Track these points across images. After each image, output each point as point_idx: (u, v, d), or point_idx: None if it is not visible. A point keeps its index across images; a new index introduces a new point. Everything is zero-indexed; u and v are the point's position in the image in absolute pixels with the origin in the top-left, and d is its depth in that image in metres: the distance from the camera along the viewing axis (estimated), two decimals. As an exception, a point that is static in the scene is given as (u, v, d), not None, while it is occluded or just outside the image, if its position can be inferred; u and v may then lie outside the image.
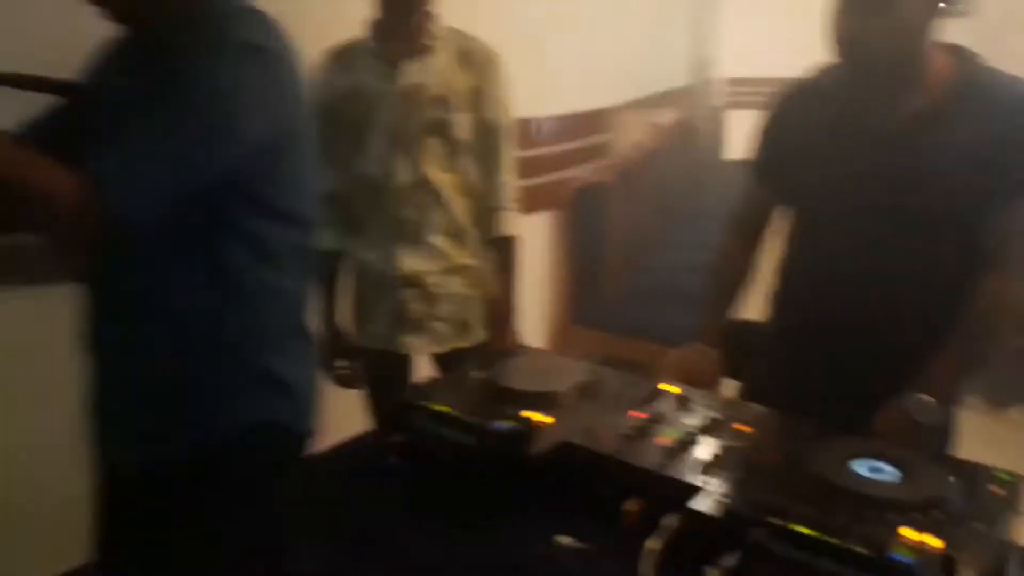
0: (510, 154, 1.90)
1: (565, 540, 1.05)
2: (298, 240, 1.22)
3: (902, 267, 1.38)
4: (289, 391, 1.24)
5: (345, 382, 1.99)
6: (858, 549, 0.88)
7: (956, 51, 1.37)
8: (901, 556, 0.87)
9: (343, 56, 1.84)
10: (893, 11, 1.27)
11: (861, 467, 1.07)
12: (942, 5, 1.29)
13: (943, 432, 1.40)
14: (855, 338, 1.43)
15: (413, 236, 1.84)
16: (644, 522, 1.03)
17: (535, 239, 2.94)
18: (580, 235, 3.10)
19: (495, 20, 2.27)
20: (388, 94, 1.78)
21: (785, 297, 1.58)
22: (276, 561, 1.13)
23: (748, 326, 1.63)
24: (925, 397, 1.32)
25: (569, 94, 3.07)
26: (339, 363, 1.97)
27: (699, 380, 1.42)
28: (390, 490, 1.23)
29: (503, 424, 1.17)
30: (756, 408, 1.26)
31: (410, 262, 1.85)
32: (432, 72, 1.79)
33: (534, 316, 2.99)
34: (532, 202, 2.01)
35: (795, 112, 1.51)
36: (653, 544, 0.99)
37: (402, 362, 1.95)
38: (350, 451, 1.41)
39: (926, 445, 1.26)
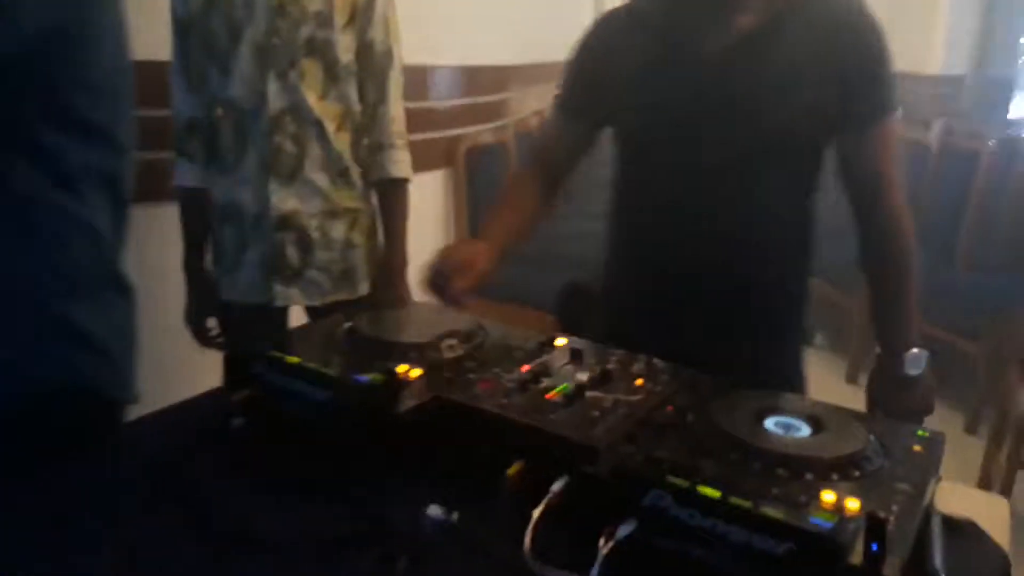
0: (398, 84, 1.72)
1: (435, 511, 0.89)
2: (107, 164, 1.00)
3: (740, 197, 1.28)
4: (95, 348, 1.02)
5: (212, 343, 1.78)
6: (773, 514, 0.74)
7: None
8: (823, 522, 0.74)
9: None
10: None
11: (772, 423, 0.95)
12: None
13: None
14: (702, 275, 1.32)
15: (289, 172, 1.64)
16: (529, 488, 0.88)
17: (424, 198, 2.76)
18: (471, 197, 2.94)
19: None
20: (259, 6, 1.57)
21: (620, 242, 1.44)
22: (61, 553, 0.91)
23: (582, 286, 1.50)
24: (914, 350, 1.26)
25: (467, 46, 2.89)
26: (209, 321, 1.76)
27: (464, 265, 1.24)
28: (233, 455, 1.03)
29: (365, 376, 0.99)
30: (656, 361, 1.12)
31: (286, 201, 1.65)
32: None
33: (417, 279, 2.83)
34: (423, 159, 1.82)
35: (612, 40, 1.35)
36: (538, 512, 0.84)
37: (275, 317, 1.75)
38: (190, 410, 1.20)
39: (922, 402, 1.27)
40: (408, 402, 0.98)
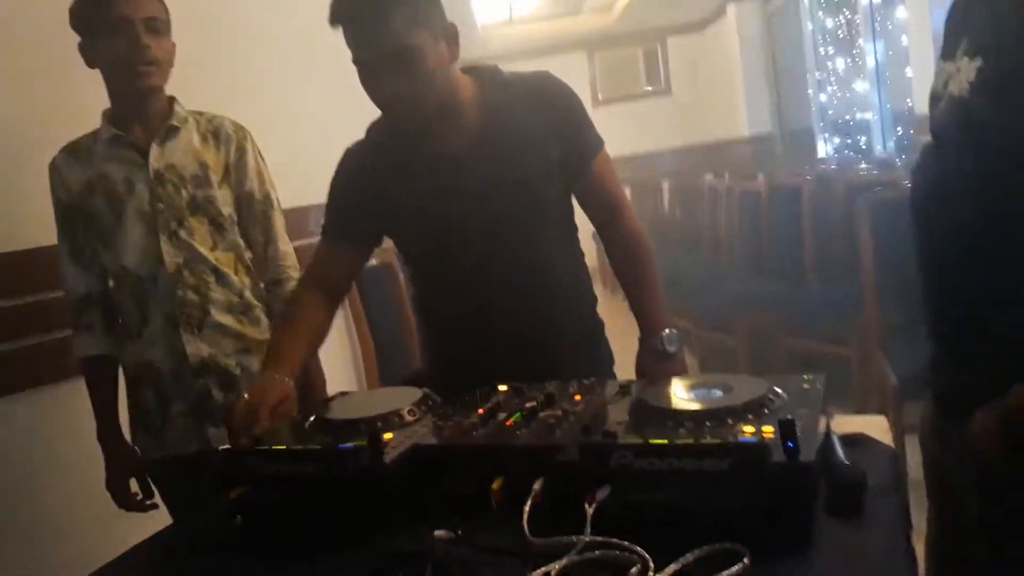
0: (281, 223, 1.88)
1: (442, 533, 1.03)
2: None
3: (511, 258, 1.52)
4: None
5: (135, 505, 1.83)
6: (710, 441, 0.94)
7: (475, 71, 1.53)
8: (747, 439, 0.95)
9: (77, 152, 1.75)
10: (415, 74, 1.37)
11: (694, 393, 1.15)
12: (451, 50, 1.42)
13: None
14: (501, 333, 1.53)
15: (197, 321, 1.75)
16: (512, 496, 1.04)
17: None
18: (368, 315, 3.09)
19: (262, 111, 2.27)
20: (138, 181, 1.72)
21: (435, 330, 1.65)
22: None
23: (418, 376, 1.69)
24: (666, 331, 1.53)
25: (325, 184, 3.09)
26: (132, 486, 1.81)
27: (268, 406, 1.31)
28: (248, 547, 1.14)
29: (349, 444, 1.14)
30: (586, 381, 1.32)
31: (201, 349, 1.76)
32: (182, 151, 1.75)
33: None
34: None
35: (361, 171, 1.55)
36: (527, 506, 1.00)
37: (204, 462, 1.82)
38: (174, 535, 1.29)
39: (682, 372, 1.51)
40: (392, 455, 1.12)
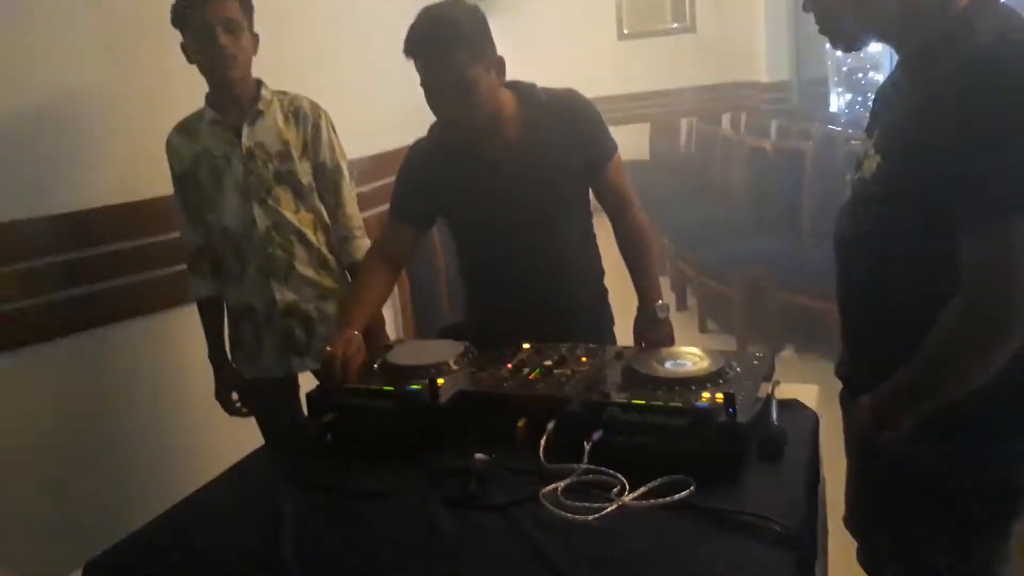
0: (350, 190, 2.23)
1: (480, 455, 1.43)
2: None
3: (538, 240, 1.89)
4: None
5: (237, 412, 2.26)
6: (675, 404, 1.33)
7: (517, 88, 1.87)
8: (702, 404, 1.34)
9: (186, 129, 2.11)
10: (470, 99, 1.70)
11: (668, 364, 1.54)
12: (499, 78, 1.75)
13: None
14: (529, 298, 1.90)
15: (284, 272, 2.14)
16: (532, 434, 1.44)
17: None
18: (415, 268, 3.42)
19: (307, 78, 2.61)
20: (234, 156, 2.08)
21: (474, 292, 2.03)
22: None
23: (455, 327, 2.08)
24: (659, 302, 1.89)
25: (380, 135, 3.40)
26: (235, 396, 2.24)
27: (352, 357, 1.63)
28: (335, 458, 1.55)
29: (413, 387, 1.54)
30: (588, 346, 1.71)
31: (286, 296, 2.15)
32: (268, 131, 2.10)
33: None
34: (368, 231, 2.36)
35: (425, 163, 1.90)
36: (543, 441, 1.40)
37: (291, 385, 2.24)
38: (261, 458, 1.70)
39: (669, 334, 1.87)
40: (444, 397, 1.53)
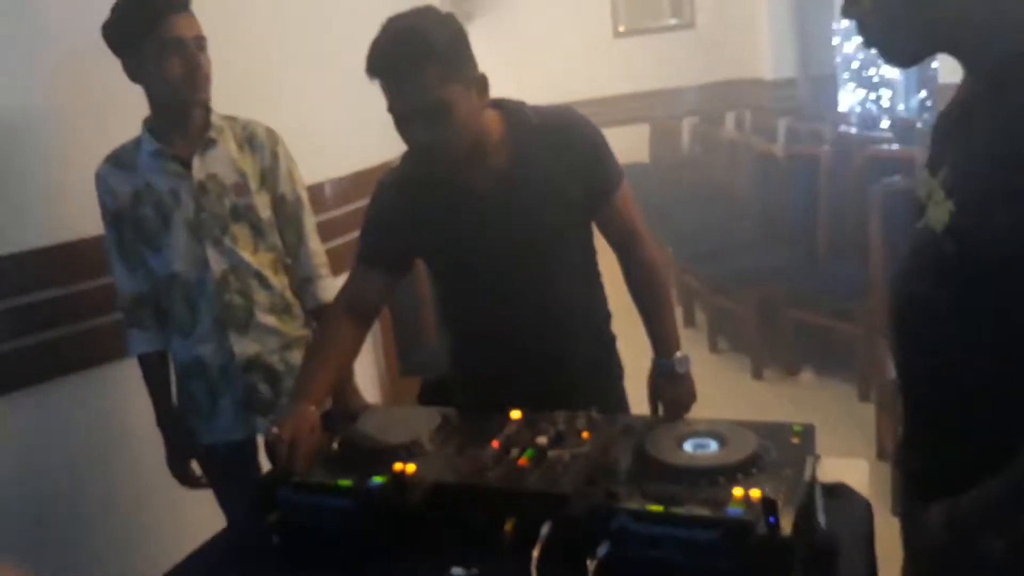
0: (311, 223, 1.97)
1: (458, 571, 1.16)
2: None
3: (531, 285, 1.61)
4: None
5: (196, 483, 1.98)
6: (701, 513, 1.05)
7: (503, 107, 1.58)
8: (735, 510, 1.06)
9: (122, 162, 1.83)
10: (446, 126, 1.42)
11: (688, 446, 1.26)
12: (481, 98, 1.48)
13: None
14: (522, 350, 1.63)
15: (243, 320, 1.87)
16: (522, 537, 1.16)
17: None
18: (396, 289, 3.17)
19: (262, 97, 2.33)
20: (183, 191, 1.81)
21: (459, 344, 1.75)
22: None
23: (439, 381, 1.83)
24: (678, 353, 1.64)
25: (351, 154, 3.14)
26: (191, 464, 1.96)
27: (303, 440, 1.38)
28: (284, 566, 1.28)
29: (375, 481, 1.26)
30: (594, 415, 1.43)
31: (247, 348, 1.88)
32: (222, 161, 1.83)
33: (366, 374, 3.06)
34: (339, 263, 2.08)
35: (396, 201, 1.62)
36: (536, 551, 1.12)
37: (253, 450, 1.97)
38: (221, 545, 1.43)
39: (691, 391, 1.64)
40: (413, 493, 1.24)
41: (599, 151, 1.61)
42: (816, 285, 3.74)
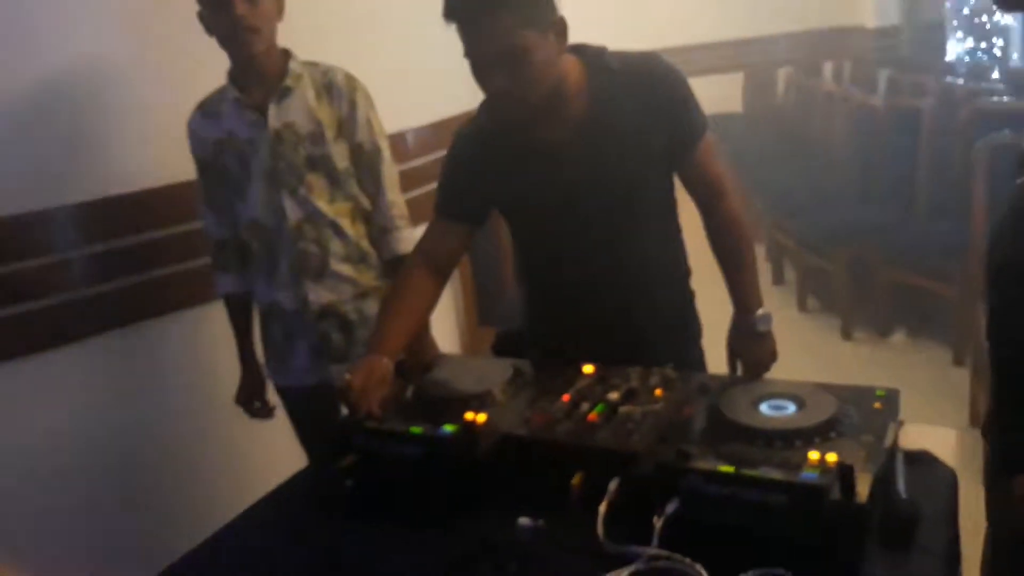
0: (391, 174, 1.96)
1: (525, 521, 1.16)
2: None
3: (609, 239, 1.57)
4: None
5: (259, 414, 2.05)
6: (774, 476, 1.02)
7: (583, 53, 1.53)
8: (809, 475, 1.02)
9: (208, 109, 1.87)
10: (523, 72, 1.39)
11: (765, 407, 1.22)
12: (560, 43, 1.43)
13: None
14: (597, 305, 1.61)
15: (318, 269, 1.89)
16: (590, 492, 1.16)
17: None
18: (476, 238, 3.18)
19: (346, 44, 2.33)
20: (260, 140, 1.83)
21: (534, 297, 1.74)
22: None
23: (513, 333, 1.80)
24: (759, 311, 1.58)
25: (433, 102, 3.12)
26: (256, 401, 2.03)
27: (374, 388, 1.41)
28: (351, 510, 1.30)
29: (446, 430, 1.27)
30: (669, 372, 1.40)
31: (321, 296, 1.90)
32: (298, 110, 1.84)
33: (444, 324, 3.09)
34: (420, 213, 2.09)
35: (473, 153, 1.60)
36: (603, 507, 1.11)
37: (327, 392, 2.01)
38: (300, 485, 1.47)
39: (772, 351, 1.59)
40: (483, 444, 1.25)
41: (683, 99, 1.55)
42: (912, 243, 3.58)
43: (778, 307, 4.04)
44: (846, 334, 3.81)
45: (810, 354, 3.58)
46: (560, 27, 1.44)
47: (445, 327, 3.16)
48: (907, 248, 3.57)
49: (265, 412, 2.07)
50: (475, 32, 1.39)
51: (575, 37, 1.50)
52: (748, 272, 1.63)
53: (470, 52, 1.41)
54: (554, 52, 1.44)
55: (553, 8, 1.43)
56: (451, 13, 1.39)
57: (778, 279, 4.59)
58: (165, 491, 2.17)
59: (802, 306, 4.19)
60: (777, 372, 1.58)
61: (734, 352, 1.61)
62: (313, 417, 1.98)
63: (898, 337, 3.71)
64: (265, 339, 2.02)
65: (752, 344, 1.60)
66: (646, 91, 1.52)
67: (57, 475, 1.95)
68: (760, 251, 4.86)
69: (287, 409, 2.07)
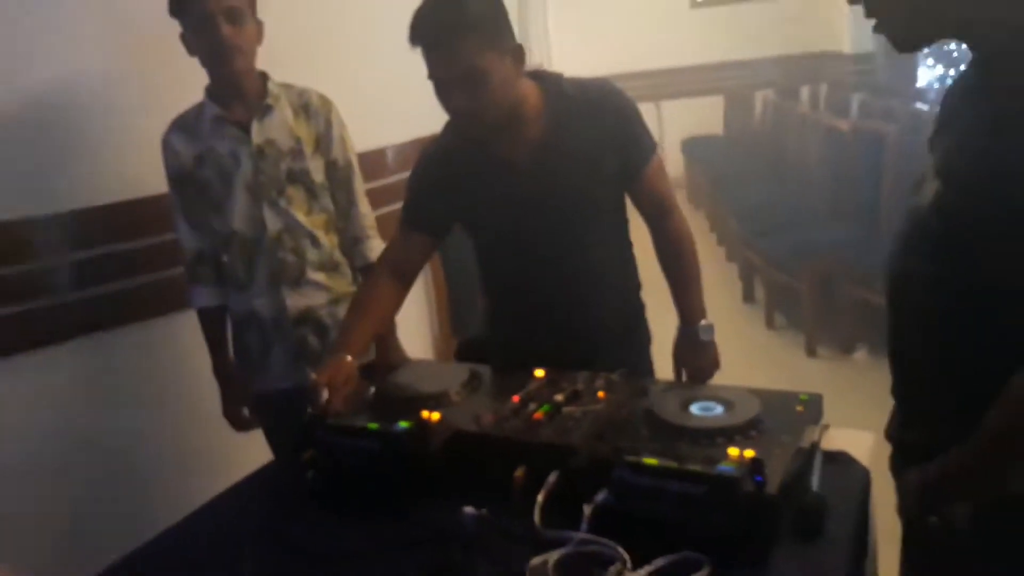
0: (361, 187, 2.08)
1: (470, 510, 1.25)
2: None
3: (563, 253, 1.68)
4: None
5: (248, 426, 2.13)
6: (693, 468, 1.12)
7: (541, 79, 1.65)
8: (726, 468, 1.12)
9: (186, 127, 1.95)
10: (482, 92, 1.50)
11: (695, 408, 1.32)
12: (517, 67, 1.54)
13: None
14: (552, 315, 1.72)
15: (295, 277, 1.99)
16: (532, 484, 1.25)
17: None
18: (449, 252, 3.28)
19: (329, 66, 2.43)
20: (243, 154, 1.93)
21: (494, 306, 1.84)
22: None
23: (476, 341, 1.92)
24: (703, 321, 1.71)
25: (411, 121, 3.21)
26: (243, 410, 2.11)
27: (339, 386, 1.51)
28: (316, 498, 1.40)
29: (401, 426, 1.36)
30: (613, 377, 1.50)
31: (298, 302, 2.00)
32: (279, 127, 1.94)
33: (418, 333, 3.17)
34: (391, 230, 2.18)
35: (439, 168, 1.72)
36: (542, 496, 1.21)
37: (302, 396, 2.09)
38: (263, 478, 1.56)
39: (714, 359, 1.71)
40: (436, 439, 1.34)
41: (632, 123, 1.66)
42: (876, 262, 3.68)
43: (747, 324, 4.15)
44: (811, 350, 3.92)
45: (776, 369, 3.71)
46: (518, 53, 1.54)
47: (420, 336, 3.26)
48: (870, 266, 3.69)
49: (252, 423, 2.15)
50: (438, 55, 1.49)
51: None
52: (693, 285, 1.74)
53: (434, 73, 1.52)
54: (512, 75, 1.54)
55: (512, 34, 1.54)
56: (416, 38, 1.50)
57: (748, 297, 4.71)
58: (149, 492, 2.23)
59: (770, 323, 4.30)
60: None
61: (679, 360, 1.72)
62: (288, 420, 2.05)
63: (860, 354, 3.83)
64: (238, 350, 2.10)
65: (695, 352, 1.70)
66: (597, 115, 1.63)
67: (30, 474, 2.02)
68: (732, 270, 4.98)
69: (259, 415, 2.15)
